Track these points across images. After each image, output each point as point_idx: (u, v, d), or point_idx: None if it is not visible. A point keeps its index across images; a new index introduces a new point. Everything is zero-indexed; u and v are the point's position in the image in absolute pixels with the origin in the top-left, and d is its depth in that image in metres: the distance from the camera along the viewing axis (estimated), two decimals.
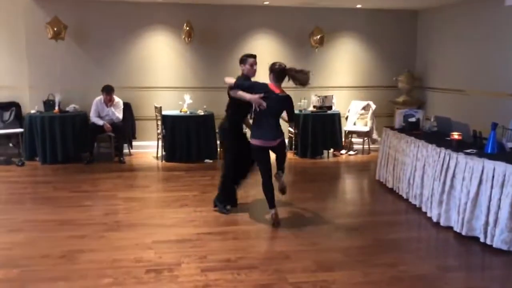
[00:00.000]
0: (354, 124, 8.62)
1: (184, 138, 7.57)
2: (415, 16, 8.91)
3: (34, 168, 7.06)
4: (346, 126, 8.61)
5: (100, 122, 7.47)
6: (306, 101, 8.40)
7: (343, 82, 8.90)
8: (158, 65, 8.28)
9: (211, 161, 7.69)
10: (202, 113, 7.81)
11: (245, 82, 4.74)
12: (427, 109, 8.55)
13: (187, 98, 7.90)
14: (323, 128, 8.09)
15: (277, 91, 4.67)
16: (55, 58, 7.86)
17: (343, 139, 8.54)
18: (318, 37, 8.32)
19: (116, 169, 7.09)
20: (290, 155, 8.25)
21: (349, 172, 7.41)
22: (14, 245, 4.06)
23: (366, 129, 8.43)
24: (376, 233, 4.49)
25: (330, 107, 8.42)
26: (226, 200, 5.05)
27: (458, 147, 4.65)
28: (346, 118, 8.70)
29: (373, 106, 8.57)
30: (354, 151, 8.58)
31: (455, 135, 4.76)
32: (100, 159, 7.61)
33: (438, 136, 5.26)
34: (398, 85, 8.63)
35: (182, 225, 4.64)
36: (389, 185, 6.02)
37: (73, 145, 7.44)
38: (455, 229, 4.47)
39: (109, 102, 7.54)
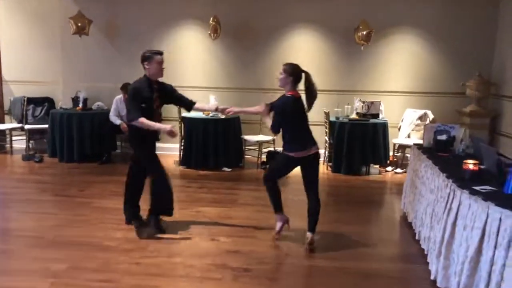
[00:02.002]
0: (408, 136, 7.23)
1: (201, 143, 6.93)
2: (497, 4, 7.16)
3: (47, 166, 6.96)
4: (397, 139, 7.25)
5: (117, 121, 7.15)
6: (349, 107, 7.23)
7: (395, 87, 7.51)
8: (183, 63, 7.74)
9: (229, 169, 6.94)
10: (223, 116, 7.08)
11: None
12: (502, 123, 6.84)
13: (212, 99, 7.22)
14: (362, 140, 6.86)
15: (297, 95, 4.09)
16: (84, 54, 7.75)
17: (392, 154, 7.21)
18: (365, 32, 7.09)
19: (123, 171, 6.64)
20: (322, 168, 7.18)
21: (380, 196, 6.12)
22: None
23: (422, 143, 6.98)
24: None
25: (376, 115, 7.14)
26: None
27: (469, 180, 3.33)
28: (399, 129, 7.35)
29: (431, 116, 7.11)
30: (403, 168, 7.18)
31: (470, 164, 3.43)
32: (117, 160, 7.30)
33: (460, 163, 3.90)
34: (466, 92, 7.02)
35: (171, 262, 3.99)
36: (409, 218, 4.73)
37: (91, 144, 7.22)
38: None
39: (126, 101, 7.17)
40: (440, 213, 3.52)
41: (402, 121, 7.35)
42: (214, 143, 6.92)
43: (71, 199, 5.36)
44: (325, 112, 7.14)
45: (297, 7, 7.42)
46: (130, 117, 4.11)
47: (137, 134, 4.25)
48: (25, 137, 7.62)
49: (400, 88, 7.49)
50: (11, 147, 7.83)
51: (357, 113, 7.20)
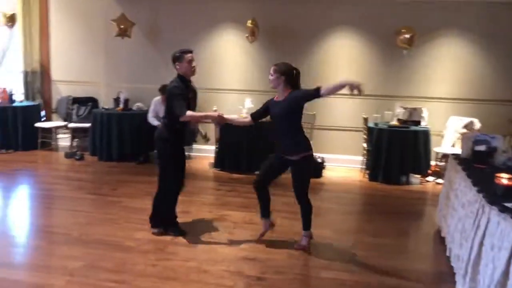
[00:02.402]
0: (453, 145, 6.85)
1: (235, 145, 6.90)
2: None
3: (86, 164, 7.16)
4: (440, 147, 6.90)
5: (155, 122, 7.24)
6: (390, 113, 6.95)
7: (439, 92, 7.14)
8: (220, 65, 7.75)
9: None
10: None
11: None
12: None
13: (248, 102, 7.18)
14: (402, 148, 6.57)
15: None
16: (126, 56, 7.94)
17: (434, 163, 6.86)
18: (408, 36, 6.80)
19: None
20: (358, 176, 6.97)
21: (416, 207, 5.81)
22: None
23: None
24: None
25: (418, 122, 6.83)
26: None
27: (502, 196, 3.06)
28: (443, 137, 6.99)
29: (478, 125, 6.70)
30: None
31: (504, 179, 3.15)
32: (154, 161, 7.38)
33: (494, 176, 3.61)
34: None
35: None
36: (443, 233, 4.45)
37: (129, 144, 7.37)
38: None
39: (164, 102, 7.26)
40: (469, 230, 3.26)
41: (446, 129, 6.98)
42: (248, 147, 6.86)
43: (103, 197, 5.47)
44: (364, 118, 6.91)
45: (338, 9, 7.23)
46: (178, 113, 4.00)
47: (164, 134, 4.24)
48: (69, 135, 7.90)
49: (444, 94, 7.12)
50: (57, 144, 8.12)
51: (398, 120, 6.91)
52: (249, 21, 7.13)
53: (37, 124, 7.86)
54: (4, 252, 3.90)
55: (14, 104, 7.89)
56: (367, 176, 6.84)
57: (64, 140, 8.07)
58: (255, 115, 4.19)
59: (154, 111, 7.32)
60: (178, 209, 4.42)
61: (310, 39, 7.39)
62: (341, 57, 7.29)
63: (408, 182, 6.69)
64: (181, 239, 4.22)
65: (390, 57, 7.13)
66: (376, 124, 6.80)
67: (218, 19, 7.63)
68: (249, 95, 7.35)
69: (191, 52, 4.22)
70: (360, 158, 7.14)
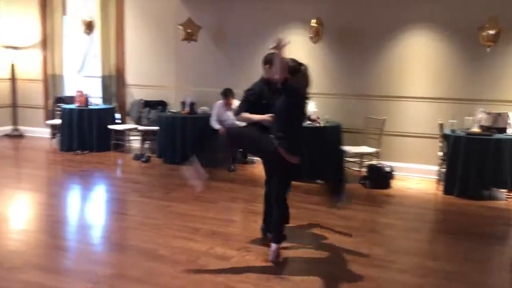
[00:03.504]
0: None
1: None
2: None
3: (150, 166, 7.27)
4: None
5: (216, 126, 7.19)
6: (470, 119, 6.20)
7: None
8: None
9: (323, 182, 6.46)
10: (321, 124, 6.64)
11: None
12: None
13: (311, 106, 6.83)
14: (482, 158, 5.80)
15: None
16: (194, 60, 7.97)
17: None
18: (492, 32, 6.01)
19: (214, 177, 6.58)
20: (432, 188, 6.30)
21: (495, 228, 5.03)
22: None
23: None
24: None
25: (503, 129, 6.00)
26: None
27: None
28: None
29: None
30: None
31: None
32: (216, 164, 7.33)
33: None
34: None
35: None
36: None
37: (192, 147, 7.35)
38: None
39: (227, 106, 7.18)
40: None
41: None
42: (309, 153, 6.49)
43: (153, 201, 5.47)
44: (439, 124, 6.23)
45: (410, 6, 6.61)
46: (234, 113, 4.21)
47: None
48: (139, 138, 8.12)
49: None
50: (129, 146, 8.38)
51: (480, 126, 6.13)
52: (313, 21, 6.77)
53: (111, 126, 8.17)
54: (35, 252, 3.96)
55: (90, 107, 8.28)
56: (441, 189, 6.15)
57: (135, 142, 8.31)
58: None
59: (217, 114, 7.26)
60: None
61: (380, 38, 6.83)
62: (416, 57, 6.66)
63: (490, 197, 5.89)
64: (218, 249, 4.02)
65: (471, 56, 6.36)
66: (453, 130, 6.09)
67: (281, 19, 7.32)
68: (313, 99, 6.97)
69: None
70: (435, 168, 6.45)
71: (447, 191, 6.02)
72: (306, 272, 3.65)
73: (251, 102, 4.09)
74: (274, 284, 3.46)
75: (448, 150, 6.01)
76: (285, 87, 3.61)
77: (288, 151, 3.69)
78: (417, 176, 6.75)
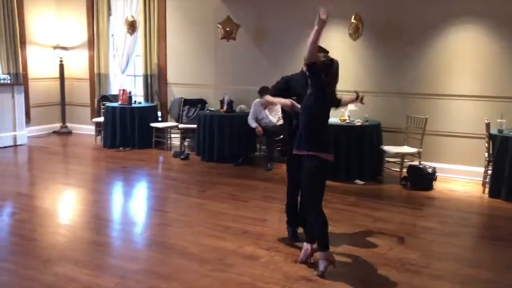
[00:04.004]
0: None
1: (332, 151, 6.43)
2: None
3: (189, 164, 7.35)
4: None
5: (253, 124, 7.17)
6: None
7: None
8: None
9: (362, 182, 6.30)
10: (359, 123, 6.49)
11: None
12: None
13: (351, 105, 6.68)
14: None
15: None
16: (232, 58, 7.99)
17: None
18: None
19: (250, 175, 6.62)
20: (477, 190, 6.00)
21: None
22: None
23: None
24: None
25: None
26: None
27: None
28: None
29: None
30: None
31: None
32: (254, 163, 7.33)
33: None
34: None
35: None
36: None
37: (229, 146, 7.39)
38: None
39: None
40: None
41: None
42: (347, 152, 6.36)
43: (188, 198, 5.53)
44: (486, 123, 5.92)
45: None
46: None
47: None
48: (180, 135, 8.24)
49: None
50: (170, 143, 8.52)
51: None
52: (353, 17, 6.60)
53: (152, 124, 8.34)
54: (72, 246, 4.09)
55: (133, 105, 8.48)
56: (487, 192, 5.84)
57: (176, 140, 8.44)
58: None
59: (254, 113, 7.24)
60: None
61: (423, 34, 6.54)
62: (463, 55, 6.35)
63: None
64: (247, 249, 4.01)
65: None
66: (500, 130, 5.76)
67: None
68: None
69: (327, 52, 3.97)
70: (481, 170, 6.13)
71: (493, 194, 5.72)
72: (335, 276, 3.55)
73: (279, 88, 4.08)
74: (300, 286, 3.40)
75: (494, 150, 5.70)
76: (311, 68, 3.51)
77: (321, 150, 3.58)
78: (461, 178, 6.45)
